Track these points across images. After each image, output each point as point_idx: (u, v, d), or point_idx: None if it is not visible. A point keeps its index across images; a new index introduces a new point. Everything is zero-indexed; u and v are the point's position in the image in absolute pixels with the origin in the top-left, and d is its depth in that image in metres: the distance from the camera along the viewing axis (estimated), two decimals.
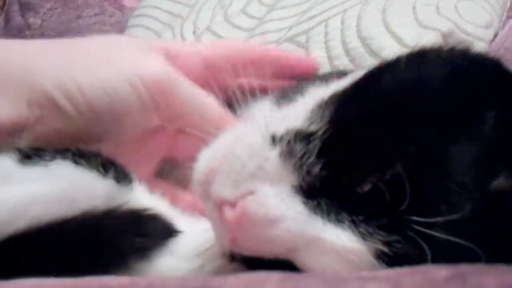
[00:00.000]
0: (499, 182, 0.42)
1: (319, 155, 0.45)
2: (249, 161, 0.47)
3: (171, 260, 0.55)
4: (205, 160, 0.52)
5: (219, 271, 0.53)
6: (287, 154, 0.46)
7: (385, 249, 0.42)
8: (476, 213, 0.41)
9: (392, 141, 0.44)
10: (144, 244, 0.54)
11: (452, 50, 0.54)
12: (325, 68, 1.09)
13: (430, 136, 0.44)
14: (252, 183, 0.46)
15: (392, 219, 0.42)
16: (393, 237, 0.42)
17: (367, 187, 0.43)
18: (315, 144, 0.45)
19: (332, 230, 0.43)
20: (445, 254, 0.40)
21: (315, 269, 0.44)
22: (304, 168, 0.45)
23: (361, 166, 0.44)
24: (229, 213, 0.46)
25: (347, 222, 0.43)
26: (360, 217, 0.43)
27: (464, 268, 0.37)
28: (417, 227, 0.41)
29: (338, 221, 0.43)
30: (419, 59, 0.52)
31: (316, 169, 0.45)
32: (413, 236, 0.41)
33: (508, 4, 1.19)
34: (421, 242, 0.41)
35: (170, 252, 0.55)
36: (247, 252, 0.47)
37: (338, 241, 0.43)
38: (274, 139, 0.47)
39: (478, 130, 0.44)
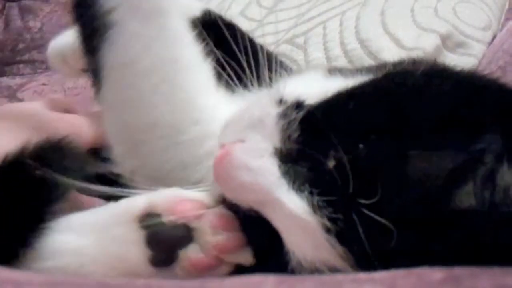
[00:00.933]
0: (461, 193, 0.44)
1: (301, 124, 0.49)
2: (255, 112, 0.53)
3: (67, 236, 0.56)
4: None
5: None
6: (282, 115, 0.50)
7: (329, 225, 0.45)
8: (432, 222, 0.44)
9: (357, 127, 0.47)
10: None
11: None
12: None
13: (394, 135, 0.46)
14: (247, 133, 0.52)
15: (342, 199, 0.45)
16: (338, 215, 0.45)
17: (331, 164, 0.46)
18: (300, 115, 0.50)
19: (293, 197, 0.47)
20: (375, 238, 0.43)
21: (277, 228, 0.48)
22: (287, 132, 0.49)
23: (330, 142, 0.47)
24: (218, 152, 0.52)
25: (306, 193, 0.46)
26: (316, 191, 0.46)
27: (458, 270, 0.37)
28: (363, 210, 0.44)
29: (300, 190, 0.47)
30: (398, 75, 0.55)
31: (295, 136, 0.49)
32: (354, 217, 0.44)
33: (507, 6, 1.20)
34: (358, 225, 0.44)
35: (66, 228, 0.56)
36: (228, 194, 0.52)
37: (294, 209, 0.46)
38: (281, 101, 0.52)
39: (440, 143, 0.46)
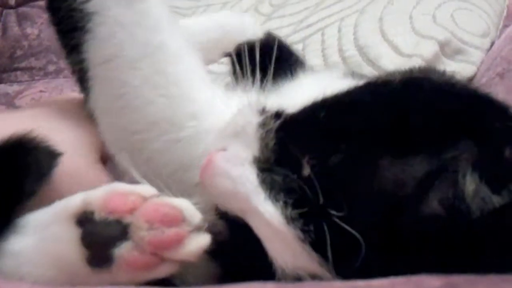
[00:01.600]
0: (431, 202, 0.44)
1: (277, 133, 0.50)
2: (239, 120, 0.53)
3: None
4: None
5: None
6: (261, 124, 0.51)
7: (302, 236, 0.45)
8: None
9: (328, 136, 0.48)
10: None
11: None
12: None
13: (364, 144, 0.46)
14: (230, 141, 0.52)
15: (313, 210, 0.45)
16: (310, 227, 0.45)
17: (306, 173, 0.46)
18: (277, 124, 0.50)
19: (269, 207, 0.47)
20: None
21: (259, 236, 0.48)
22: (265, 141, 0.50)
23: (302, 152, 0.47)
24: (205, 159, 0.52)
25: (281, 203, 0.46)
26: (290, 201, 0.46)
27: (456, 278, 0.37)
28: (335, 220, 0.44)
29: (276, 200, 0.47)
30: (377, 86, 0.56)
31: (271, 145, 0.49)
32: (325, 228, 0.44)
33: (505, 13, 1.20)
34: (327, 236, 0.44)
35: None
36: (216, 201, 0.52)
37: (270, 218, 0.47)
38: (263, 110, 0.53)
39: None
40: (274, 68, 0.64)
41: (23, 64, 1.53)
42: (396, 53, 1.07)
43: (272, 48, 0.72)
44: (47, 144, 0.58)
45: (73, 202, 0.50)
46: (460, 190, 0.43)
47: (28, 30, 1.55)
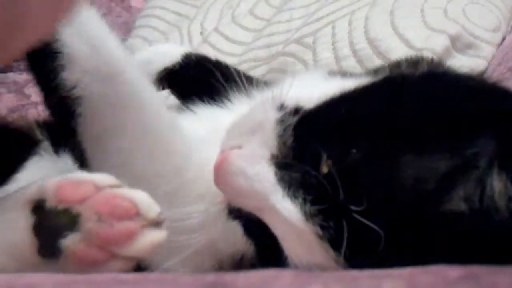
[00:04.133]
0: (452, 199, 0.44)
1: (295, 130, 0.50)
2: (257, 116, 0.53)
3: None
4: None
5: None
6: (280, 121, 0.51)
7: (321, 232, 0.45)
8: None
9: (348, 133, 0.48)
10: None
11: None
12: (332, 69, 1.10)
13: (385, 141, 0.46)
14: (246, 138, 0.52)
15: (333, 206, 0.45)
16: (330, 223, 0.45)
17: (323, 171, 0.46)
18: (295, 121, 0.50)
19: (287, 204, 0.47)
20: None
21: (275, 233, 0.48)
22: (283, 138, 0.50)
23: (321, 148, 0.47)
24: (217, 158, 0.52)
25: (300, 200, 0.47)
26: (309, 198, 0.46)
27: (476, 268, 0.37)
28: (355, 216, 0.44)
29: (294, 197, 0.47)
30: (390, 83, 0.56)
31: (289, 142, 0.49)
32: (344, 224, 0.44)
33: None
34: (345, 232, 0.44)
35: None
36: (229, 200, 0.53)
37: (288, 216, 0.47)
38: (281, 106, 0.52)
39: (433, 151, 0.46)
40: (191, 89, 0.73)
41: None
42: (407, 47, 1.06)
43: (191, 69, 0.80)
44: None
45: (31, 189, 0.49)
46: (488, 189, 0.42)
47: None
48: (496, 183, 0.42)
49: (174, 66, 0.83)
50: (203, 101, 0.74)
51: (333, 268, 0.45)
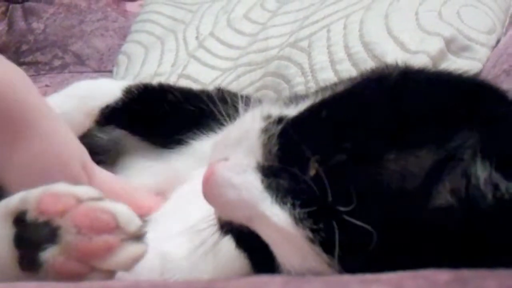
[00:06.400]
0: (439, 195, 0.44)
1: (280, 138, 0.50)
2: (242, 126, 0.54)
3: None
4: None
5: None
6: (264, 130, 0.51)
7: (312, 236, 0.45)
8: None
9: (331, 135, 0.48)
10: None
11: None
12: (327, 72, 1.10)
13: (368, 140, 0.47)
14: (231, 150, 0.52)
15: (322, 209, 0.45)
16: (320, 225, 0.45)
17: (310, 175, 0.46)
18: (279, 129, 0.50)
19: (276, 210, 0.47)
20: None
21: (266, 241, 0.48)
22: (268, 147, 0.50)
23: (306, 153, 0.47)
24: (205, 173, 0.52)
25: (288, 206, 0.47)
26: (298, 202, 0.46)
27: (465, 272, 0.37)
28: (344, 217, 0.44)
29: (283, 203, 0.47)
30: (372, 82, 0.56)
31: (274, 150, 0.49)
32: (334, 225, 0.44)
33: (511, 10, 1.20)
34: (336, 233, 0.44)
35: None
36: (219, 213, 0.52)
37: (278, 222, 0.47)
38: (266, 117, 0.53)
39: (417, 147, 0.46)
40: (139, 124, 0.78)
41: (28, 59, 1.53)
42: (402, 50, 1.07)
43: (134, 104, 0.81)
44: None
45: (13, 200, 0.49)
46: (473, 179, 0.43)
47: (34, 25, 1.56)
48: (481, 173, 0.43)
49: (116, 103, 0.81)
50: (152, 135, 0.79)
51: (326, 272, 0.45)
